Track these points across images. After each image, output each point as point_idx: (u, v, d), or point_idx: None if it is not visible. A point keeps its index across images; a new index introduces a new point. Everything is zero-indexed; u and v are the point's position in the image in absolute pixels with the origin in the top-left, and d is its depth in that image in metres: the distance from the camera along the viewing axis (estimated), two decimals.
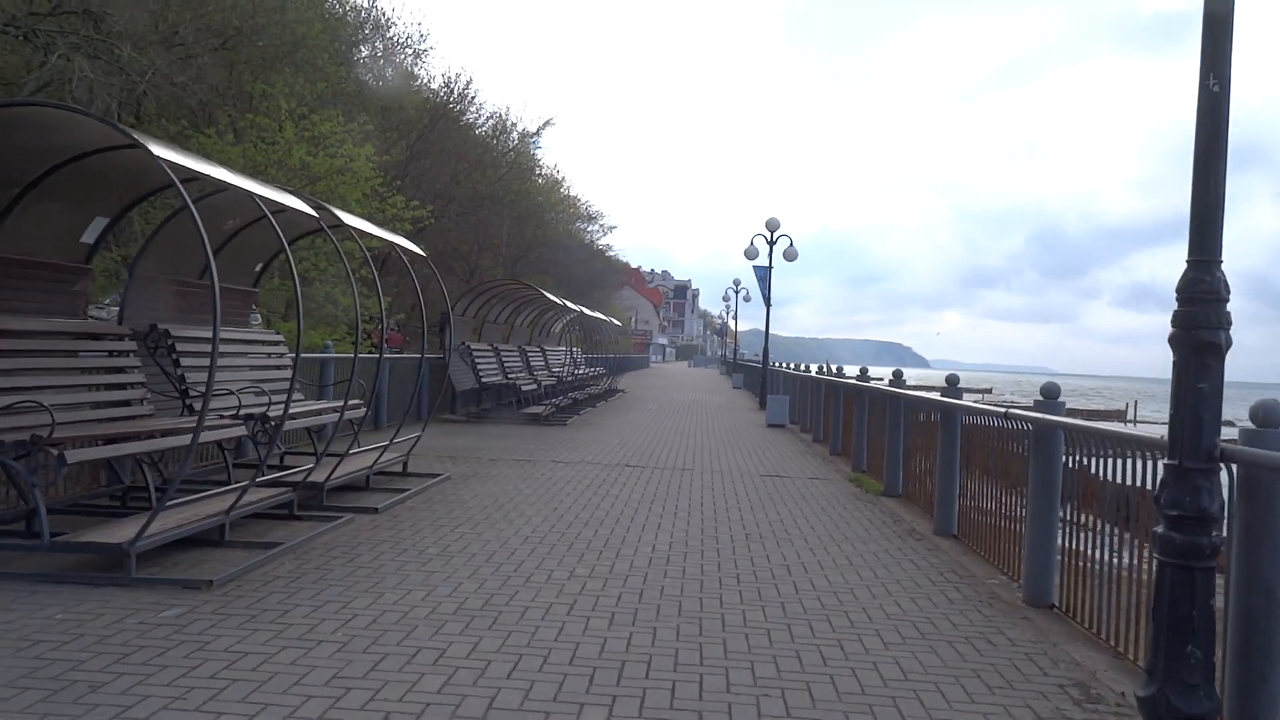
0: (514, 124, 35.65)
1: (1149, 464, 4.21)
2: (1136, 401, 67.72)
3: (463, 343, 17.26)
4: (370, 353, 15.92)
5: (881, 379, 11.93)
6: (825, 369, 17.97)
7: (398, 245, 8.95)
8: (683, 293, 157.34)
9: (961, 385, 7.99)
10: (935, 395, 8.43)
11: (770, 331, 25.93)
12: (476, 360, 17.19)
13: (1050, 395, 5.53)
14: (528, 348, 22.42)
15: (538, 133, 37.33)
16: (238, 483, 6.54)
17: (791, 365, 23.71)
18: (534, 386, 18.92)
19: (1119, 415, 50.17)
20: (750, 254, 25.72)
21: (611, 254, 66.21)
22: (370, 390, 8.71)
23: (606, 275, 65.16)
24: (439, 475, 9.35)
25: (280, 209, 7.41)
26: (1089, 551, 5.10)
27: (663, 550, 6.45)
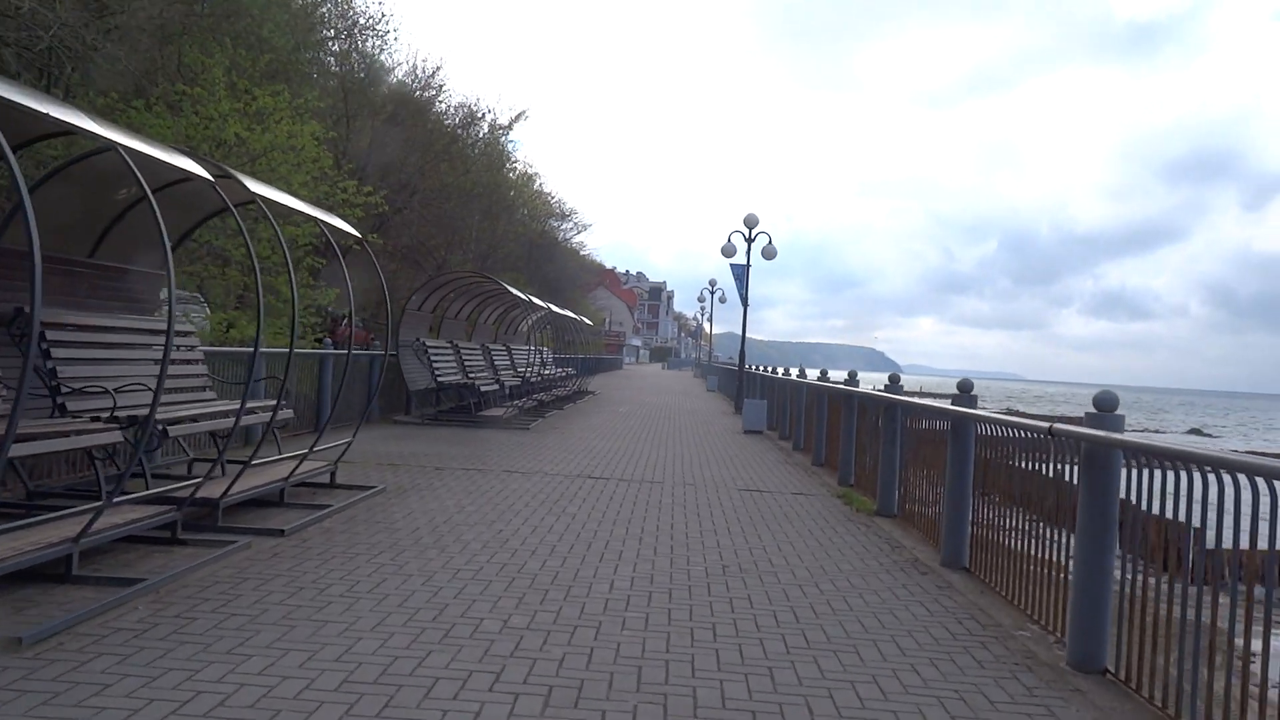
0: (484, 114, 34.31)
1: None
2: None
3: (418, 339, 16.02)
4: (314, 348, 14.63)
5: (858, 383, 10.91)
6: (803, 373, 16.91)
7: (323, 223, 7.72)
8: (657, 294, 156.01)
9: (935, 391, 6.93)
10: (926, 401, 7.40)
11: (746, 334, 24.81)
12: (433, 358, 15.95)
13: (1106, 408, 4.44)
14: (492, 346, 21.16)
15: (510, 125, 35.98)
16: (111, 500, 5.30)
17: (765, 368, 22.64)
18: (495, 387, 17.69)
19: None
20: (728, 251, 24.61)
21: (586, 253, 65.02)
22: (280, 388, 7.47)
23: (580, 275, 63.88)
24: (371, 488, 8.15)
25: (184, 177, 6.22)
26: (1157, 600, 4.02)
27: (622, 590, 5.29)
